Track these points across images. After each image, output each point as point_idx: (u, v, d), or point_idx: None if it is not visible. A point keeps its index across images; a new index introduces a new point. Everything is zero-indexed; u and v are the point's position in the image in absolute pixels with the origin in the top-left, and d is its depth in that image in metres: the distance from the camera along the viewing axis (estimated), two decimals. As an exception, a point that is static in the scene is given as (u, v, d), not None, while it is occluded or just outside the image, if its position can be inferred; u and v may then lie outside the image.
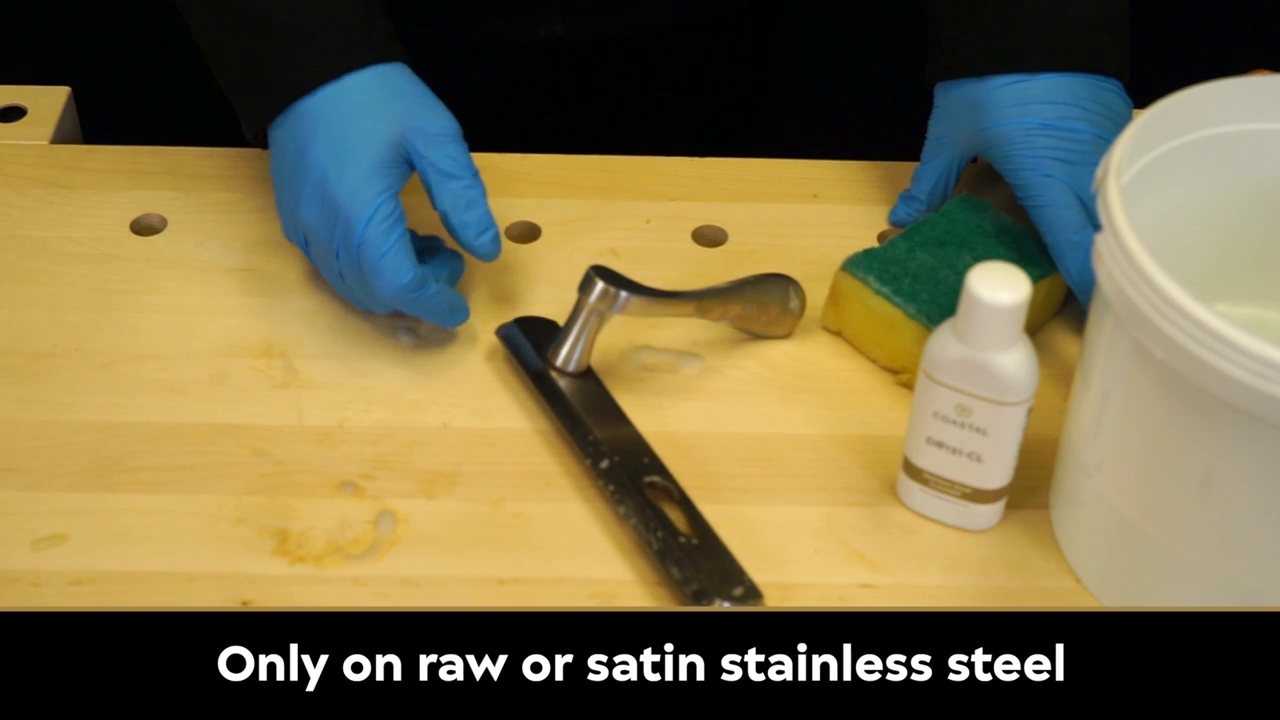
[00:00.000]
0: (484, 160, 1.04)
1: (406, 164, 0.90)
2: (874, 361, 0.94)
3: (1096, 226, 0.75)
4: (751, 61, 1.28)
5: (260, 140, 0.94)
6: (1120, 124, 0.92)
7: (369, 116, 0.89)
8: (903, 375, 0.92)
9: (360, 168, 0.88)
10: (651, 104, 1.23)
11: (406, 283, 0.88)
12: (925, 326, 0.90)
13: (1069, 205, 0.92)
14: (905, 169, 1.03)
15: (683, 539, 0.83)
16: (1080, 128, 0.93)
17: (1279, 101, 0.83)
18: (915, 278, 0.92)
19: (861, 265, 0.93)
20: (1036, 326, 0.94)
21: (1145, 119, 0.80)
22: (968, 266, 0.81)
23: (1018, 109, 0.93)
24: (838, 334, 0.95)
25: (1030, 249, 0.94)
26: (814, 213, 1.03)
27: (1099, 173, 0.78)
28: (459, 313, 0.92)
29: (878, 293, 0.92)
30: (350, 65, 0.90)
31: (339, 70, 0.90)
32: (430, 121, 0.90)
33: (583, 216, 1.02)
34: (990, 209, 0.97)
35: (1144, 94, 0.87)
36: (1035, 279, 0.86)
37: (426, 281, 0.89)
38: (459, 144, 0.91)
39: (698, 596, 0.81)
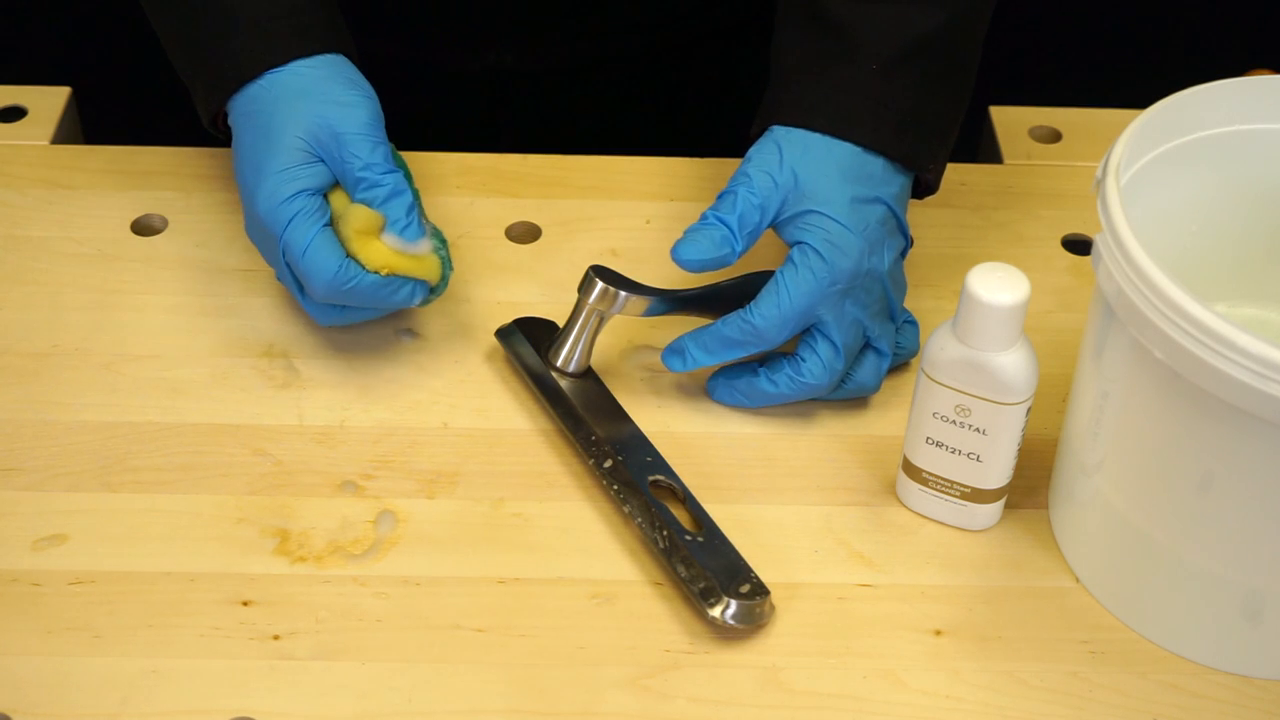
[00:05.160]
0: (483, 160, 1.04)
1: (322, 161, 0.88)
2: None
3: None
4: (724, 81, 1.22)
5: (219, 129, 0.93)
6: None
7: (285, 115, 0.87)
8: None
9: (274, 174, 0.86)
10: (610, 128, 1.18)
11: (331, 277, 0.85)
12: None
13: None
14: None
15: (688, 537, 0.83)
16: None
17: (1279, 101, 0.83)
18: None
19: None
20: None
21: (1145, 119, 0.80)
22: None
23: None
24: None
25: None
26: (814, 213, 1.03)
27: (1098, 173, 0.78)
28: (420, 293, 0.89)
29: None
30: (278, 58, 0.88)
31: (266, 64, 0.88)
32: (339, 118, 0.87)
33: (583, 216, 1.02)
34: None
35: (1144, 94, 0.87)
36: None
37: (353, 270, 0.86)
38: (365, 141, 0.87)
39: (704, 594, 0.81)
